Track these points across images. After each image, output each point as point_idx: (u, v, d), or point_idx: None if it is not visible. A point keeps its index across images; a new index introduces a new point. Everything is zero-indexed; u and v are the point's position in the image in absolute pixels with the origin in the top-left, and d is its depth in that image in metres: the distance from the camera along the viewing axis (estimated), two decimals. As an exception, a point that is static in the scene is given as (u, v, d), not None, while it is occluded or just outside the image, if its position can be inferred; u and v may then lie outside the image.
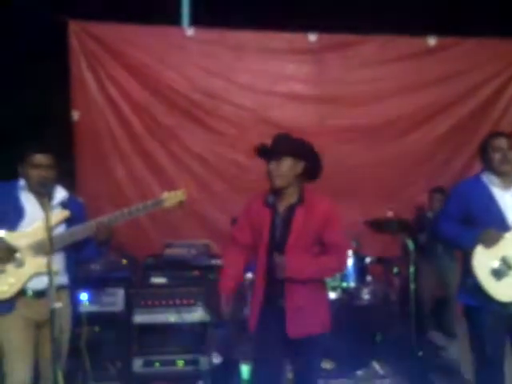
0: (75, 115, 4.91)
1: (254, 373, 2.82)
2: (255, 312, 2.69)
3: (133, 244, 4.68)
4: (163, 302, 3.82)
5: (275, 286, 2.62)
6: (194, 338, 3.85)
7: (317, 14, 5.81)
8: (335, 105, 5.24)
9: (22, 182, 2.92)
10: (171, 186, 4.88)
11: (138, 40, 4.98)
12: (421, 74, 5.27)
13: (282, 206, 2.67)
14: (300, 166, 2.63)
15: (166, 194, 3.05)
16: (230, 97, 5.16)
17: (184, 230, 5.01)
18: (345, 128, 5.25)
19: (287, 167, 2.61)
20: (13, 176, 3.00)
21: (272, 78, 5.24)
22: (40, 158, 2.85)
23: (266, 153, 2.65)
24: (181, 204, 3.07)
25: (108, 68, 4.95)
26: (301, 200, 2.65)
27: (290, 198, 2.66)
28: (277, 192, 2.67)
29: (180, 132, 5.09)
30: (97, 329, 3.83)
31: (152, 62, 4.99)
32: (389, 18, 5.53)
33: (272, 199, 2.67)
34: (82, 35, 4.89)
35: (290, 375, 3.43)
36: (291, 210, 2.64)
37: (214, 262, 4.12)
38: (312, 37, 5.18)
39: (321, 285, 2.75)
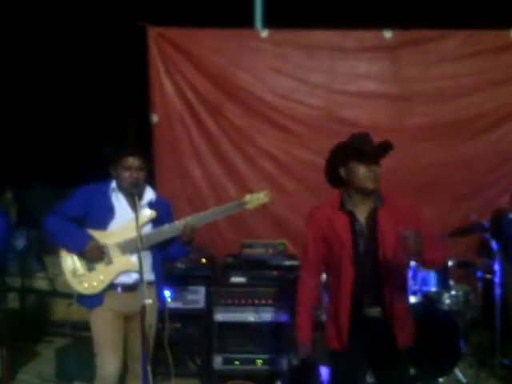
0: (154, 118, 5.05)
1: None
2: (343, 327, 2.50)
3: (208, 243, 4.76)
4: (243, 301, 3.87)
5: (367, 294, 2.51)
6: (273, 338, 3.87)
7: (390, 10, 5.69)
8: (412, 102, 5.08)
9: (113, 183, 3.05)
10: (244, 187, 5.03)
11: (213, 43, 5.05)
12: (504, 69, 5.01)
13: (361, 212, 2.56)
14: None
15: (248, 197, 3.08)
16: (303, 97, 5.12)
17: (257, 229, 5.02)
18: (422, 126, 5.06)
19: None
20: (101, 176, 3.15)
21: (345, 76, 5.15)
22: (132, 161, 2.97)
23: (374, 155, 2.54)
24: (263, 206, 3.09)
25: (184, 72, 5.04)
26: (383, 203, 2.56)
27: (371, 202, 2.57)
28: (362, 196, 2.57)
29: (253, 133, 5.11)
30: (178, 325, 3.94)
31: (226, 65, 5.04)
32: (469, 12, 5.31)
33: (379, 203, 2.57)
34: (159, 41, 5.01)
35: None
36: (374, 213, 2.55)
37: (291, 262, 4.12)
38: (387, 34, 5.05)
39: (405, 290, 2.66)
